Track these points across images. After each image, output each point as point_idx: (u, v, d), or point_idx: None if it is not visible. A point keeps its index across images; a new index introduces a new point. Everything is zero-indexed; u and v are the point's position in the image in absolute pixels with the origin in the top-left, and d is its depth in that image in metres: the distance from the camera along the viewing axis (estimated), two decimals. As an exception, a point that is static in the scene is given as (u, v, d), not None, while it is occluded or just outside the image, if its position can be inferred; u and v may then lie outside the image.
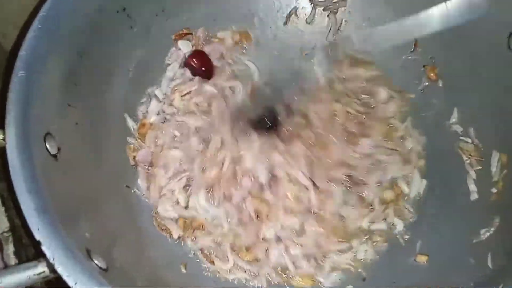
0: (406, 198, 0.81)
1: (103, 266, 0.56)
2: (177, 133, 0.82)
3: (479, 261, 0.66)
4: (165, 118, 0.84)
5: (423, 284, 0.71)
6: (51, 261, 0.50)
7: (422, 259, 0.75)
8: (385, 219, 0.80)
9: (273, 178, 0.78)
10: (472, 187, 0.77)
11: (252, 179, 0.78)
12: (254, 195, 0.78)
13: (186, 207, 0.78)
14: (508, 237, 0.66)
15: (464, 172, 0.78)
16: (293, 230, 0.77)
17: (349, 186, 0.79)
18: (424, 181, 0.82)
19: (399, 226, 0.79)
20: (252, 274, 0.76)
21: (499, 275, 0.60)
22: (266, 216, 0.77)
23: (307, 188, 0.78)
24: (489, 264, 0.65)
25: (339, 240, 0.77)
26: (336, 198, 0.78)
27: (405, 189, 0.82)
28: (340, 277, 0.77)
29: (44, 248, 0.50)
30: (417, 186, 0.82)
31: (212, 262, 0.76)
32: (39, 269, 0.51)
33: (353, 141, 0.82)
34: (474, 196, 0.76)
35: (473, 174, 0.78)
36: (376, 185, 0.80)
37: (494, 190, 0.73)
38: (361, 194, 0.80)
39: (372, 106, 0.86)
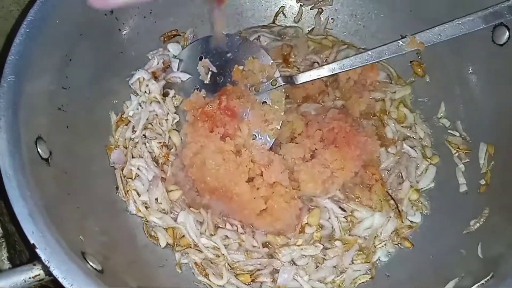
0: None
1: (98, 268, 0.57)
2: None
3: (469, 252, 0.67)
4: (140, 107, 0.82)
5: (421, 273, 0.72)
6: (46, 263, 0.50)
7: (408, 245, 0.76)
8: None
9: None
10: (461, 179, 0.78)
11: None
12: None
13: (176, 220, 0.76)
14: (497, 226, 0.67)
15: (453, 165, 0.79)
16: (313, 257, 0.75)
17: (387, 201, 0.78)
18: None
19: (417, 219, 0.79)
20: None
21: (489, 265, 0.61)
22: (280, 246, 0.75)
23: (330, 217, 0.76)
24: (479, 254, 0.66)
25: (364, 262, 0.76)
26: (374, 222, 0.76)
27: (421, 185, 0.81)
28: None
29: (39, 251, 0.50)
30: (429, 180, 0.81)
31: (206, 276, 0.74)
32: (35, 272, 0.51)
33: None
34: (463, 188, 0.77)
35: (462, 166, 0.79)
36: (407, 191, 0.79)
37: (482, 181, 0.74)
38: (394, 207, 0.78)
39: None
